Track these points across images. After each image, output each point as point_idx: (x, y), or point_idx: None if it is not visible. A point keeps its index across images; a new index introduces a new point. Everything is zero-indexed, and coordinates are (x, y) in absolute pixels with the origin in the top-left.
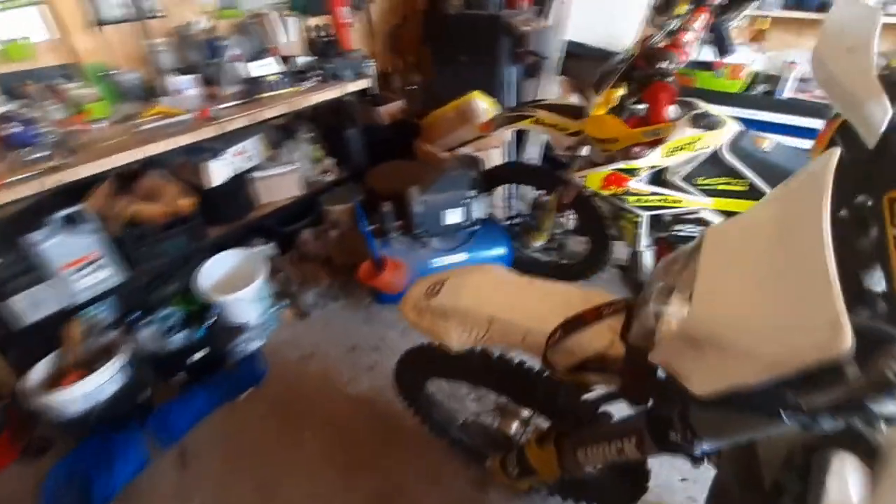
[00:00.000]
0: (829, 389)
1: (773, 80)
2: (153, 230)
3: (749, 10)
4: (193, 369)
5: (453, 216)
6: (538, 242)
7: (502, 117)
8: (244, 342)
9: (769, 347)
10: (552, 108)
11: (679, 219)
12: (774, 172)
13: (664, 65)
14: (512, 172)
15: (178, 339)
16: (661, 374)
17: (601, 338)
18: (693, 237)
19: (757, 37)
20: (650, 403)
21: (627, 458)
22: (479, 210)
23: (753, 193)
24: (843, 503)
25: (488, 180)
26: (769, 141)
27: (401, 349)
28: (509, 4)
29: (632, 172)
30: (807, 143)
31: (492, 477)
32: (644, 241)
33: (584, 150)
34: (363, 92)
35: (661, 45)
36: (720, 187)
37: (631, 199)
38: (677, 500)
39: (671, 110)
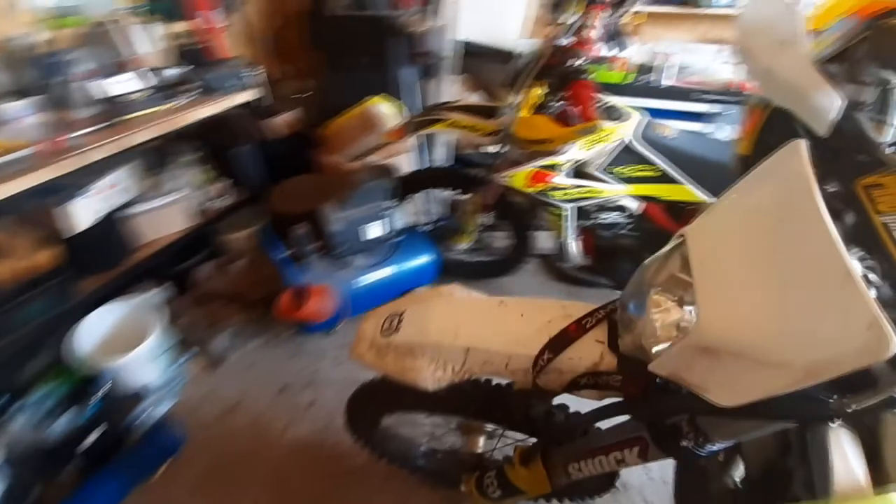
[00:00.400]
0: (864, 391)
1: (651, 70)
2: (5, 295)
3: (634, 7)
4: (90, 454)
5: (374, 230)
6: (464, 244)
7: (414, 122)
8: (148, 409)
9: (807, 356)
10: (466, 109)
11: (602, 207)
12: (679, 156)
13: (576, 62)
14: (429, 177)
15: (63, 422)
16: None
17: (591, 352)
18: (616, 223)
19: (634, 31)
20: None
21: (627, 466)
22: (399, 220)
23: (664, 177)
24: (850, 477)
25: (405, 187)
26: (671, 128)
27: (337, 380)
28: (397, 4)
29: (554, 168)
30: (688, 126)
31: (471, 502)
32: (571, 231)
33: (495, 149)
34: (253, 103)
35: (569, 43)
36: (635, 174)
37: (556, 193)
38: (634, 473)
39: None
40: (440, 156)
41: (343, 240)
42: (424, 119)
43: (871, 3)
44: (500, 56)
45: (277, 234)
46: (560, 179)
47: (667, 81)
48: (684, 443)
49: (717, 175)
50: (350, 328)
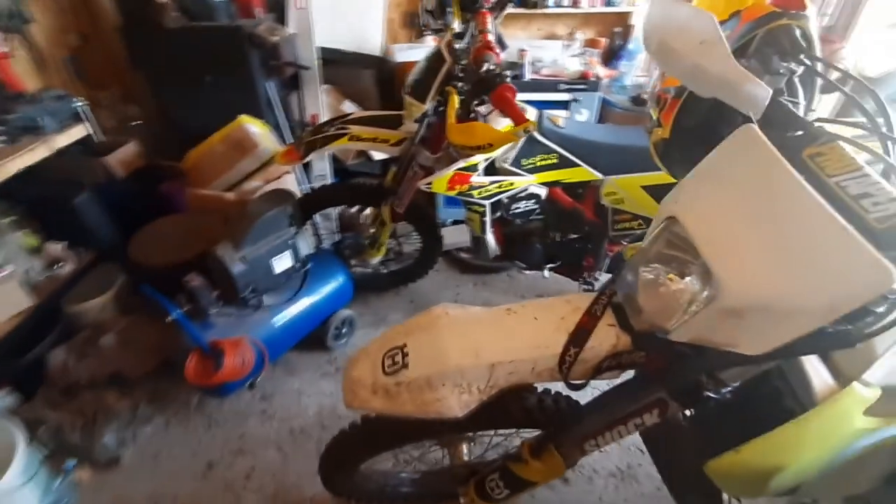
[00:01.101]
0: (867, 318)
1: (515, 66)
2: None
3: (508, 9)
4: None
5: (282, 263)
6: (376, 258)
7: (307, 141)
8: None
9: (822, 300)
10: (366, 121)
11: (514, 198)
12: (572, 142)
13: (490, 67)
14: (329, 196)
15: None
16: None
17: (607, 336)
18: (528, 211)
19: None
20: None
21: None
22: (305, 246)
23: (563, 163)
24: (824, 384)
25: (306, 210)
26: (561, 118)
27: (272, 438)
28: (242, 13)
29: (471, 169)
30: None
31: None
32: (489, 226)
33: (381, 157)
34: (81, 142)
35: (476, 48)
36: (539, 164)
37: (476, 192)
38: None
39: None
40: (321, 170)
41: (248, 281)
42: (319, 137)
43: (753, 6)
44: (366, 62)
45: (159, 292)
46: (478, 178)
47: (530, 76)
48: (707, 393)
49: (604, 154)
50: (271, 376)
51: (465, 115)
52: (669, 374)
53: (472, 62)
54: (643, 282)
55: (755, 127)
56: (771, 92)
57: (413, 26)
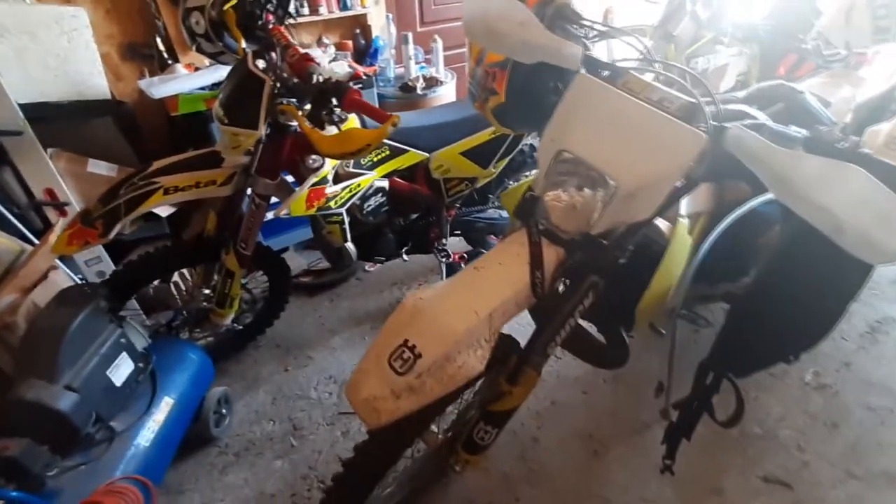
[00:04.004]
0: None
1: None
2: None
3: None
4: None
5: (122, 370)
6: (229, 316)
7: (103, 213)
8: None
9: (672, 165)
10: (173, 168)
11: (364, 198)
12: (397, 132)
13: (317, 76)
14: (146, 268)
15: None
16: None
17: (550, 255)
18: (379, 205)
19: None
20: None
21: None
22: (139, 338)
23: (395, 152)
24: (669, 227)
25: (120, 296)
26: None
27: None
28: None
29: (322, 182)
30: None
31: (475, 468)
32: (348, 233)
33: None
34: None
35: (293, 61)
36: (375, 159)
37: (332, 203)
38: None
39: None
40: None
41: (87, 412)
42: (126, 200)
43: None
44: (95, 109)
45: None
46: (331, 189)
47: None
48: (620, 260)
49: (424, 135)
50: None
51: (319, 126)
52: (596, 260)
53: (294, 76)
54: (551, 206)
55: (585, 73)
56: (582, 49)
57: (139, 58)
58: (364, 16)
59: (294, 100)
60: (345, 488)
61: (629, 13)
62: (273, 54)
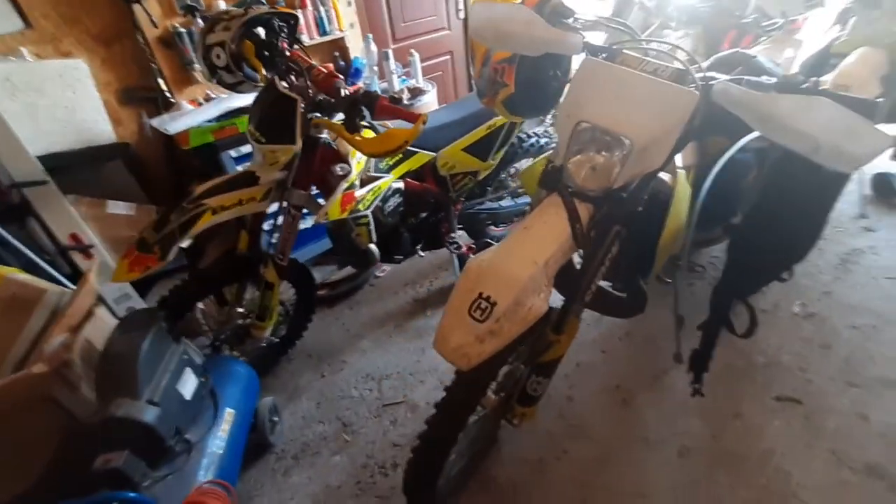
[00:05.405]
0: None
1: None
2: None
3: None
4: None
5: (189, 384)
6: (268, 329)
7: (159, 240)
8: None
9: (674, 121)
10: (216, 190)
11: (385, 199)
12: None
13: (344, 90)
14: (194, 288)
15: None
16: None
17: (583, 210)
18: (398, 205)
19: None
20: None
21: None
22: (196, 355)
23: (406, 154)
24: (672, 178)
25: (174, 317)
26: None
27: None
28: None
29: (352, 187)
30: None
31: (529, 419)
32: (374, 234)
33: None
34: None
35: (319, 79)
36: (390, 162)
37: (361, 206)
38: None
39: None
40: (119, 290)
41: (170, 424)
42: (179, 225)
43: None
44: (105, 154)
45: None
46: (359, 192)
47: None
48: (639, 208)
49: (430, 135)
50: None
51: (356, 132)
52: (619, 210)
53: (322, 92)
54: (576, 171)
55: (589, 56)
56: (583, 37)
57: (136, 101)
58: (342, 39)
59: (317, 113)
60: (433, 434)
61: (582, 9)
62: (292, 77)
